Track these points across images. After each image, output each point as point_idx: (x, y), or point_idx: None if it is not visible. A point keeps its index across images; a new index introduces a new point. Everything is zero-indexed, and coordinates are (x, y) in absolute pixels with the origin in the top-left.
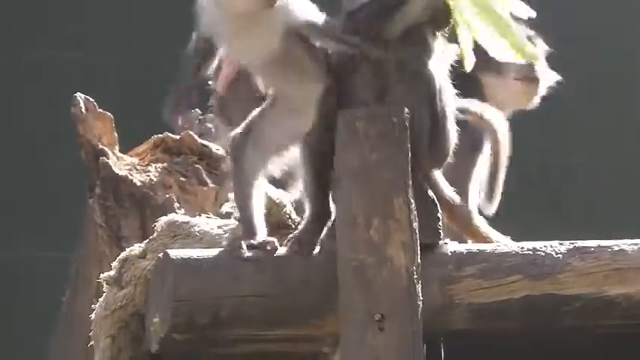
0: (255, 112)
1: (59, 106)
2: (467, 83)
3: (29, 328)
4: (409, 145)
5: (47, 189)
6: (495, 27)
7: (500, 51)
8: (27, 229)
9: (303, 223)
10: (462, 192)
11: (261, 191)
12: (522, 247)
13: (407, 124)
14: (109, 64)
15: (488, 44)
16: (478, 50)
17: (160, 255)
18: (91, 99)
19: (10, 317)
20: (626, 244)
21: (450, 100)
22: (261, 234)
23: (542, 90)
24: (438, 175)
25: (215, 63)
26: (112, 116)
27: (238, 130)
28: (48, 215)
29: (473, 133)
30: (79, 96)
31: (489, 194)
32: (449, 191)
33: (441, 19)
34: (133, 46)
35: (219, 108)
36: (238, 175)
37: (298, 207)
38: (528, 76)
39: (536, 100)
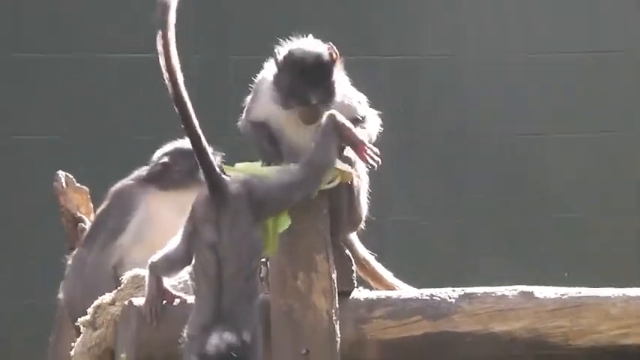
0: None
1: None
2: None
3: None
4: (327, 213)
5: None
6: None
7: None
8: (17, 281)
9: None
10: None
11: None
12: (422, 293)
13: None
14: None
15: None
16: None
17: (126, 303)
18: (70, 175)
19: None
20: (509, 290)
21: (364, 178)
22: None
23: None
24: (354, 237)
25: None
26: (87, 189)
27: None
28: (35, 269)
29: None
30: (60, 173)
31: None
32: (362, 250)
33: None
34: None
35: None
36: None
37: None
38: None
39: None
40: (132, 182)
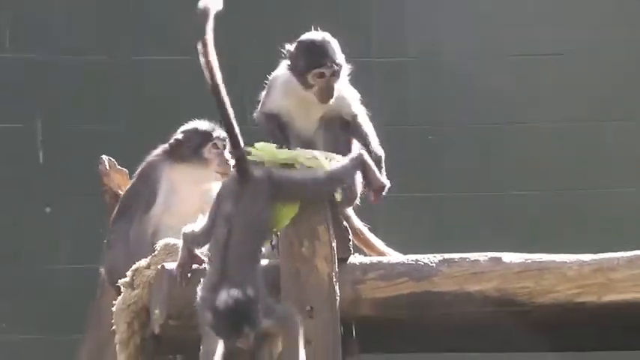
0: None
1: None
2: None
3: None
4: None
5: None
6: None
7: None
8: (71, 249)
9: None
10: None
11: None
12: (408, 259)
13: None
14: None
15: None
16: None
17: (159, 267)
18: (112, 159)
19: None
20: (481, 256)
21: None
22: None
23: None
24: (350, 211)
25: None
26: (127, 171)
27: None
28: (83, 237)
29: None
30: (104, 157)
31: None
32: (358, 223)
33: None
34: None
35: None
36: None
37: None
38: None
39: None
40: (155, 157)
